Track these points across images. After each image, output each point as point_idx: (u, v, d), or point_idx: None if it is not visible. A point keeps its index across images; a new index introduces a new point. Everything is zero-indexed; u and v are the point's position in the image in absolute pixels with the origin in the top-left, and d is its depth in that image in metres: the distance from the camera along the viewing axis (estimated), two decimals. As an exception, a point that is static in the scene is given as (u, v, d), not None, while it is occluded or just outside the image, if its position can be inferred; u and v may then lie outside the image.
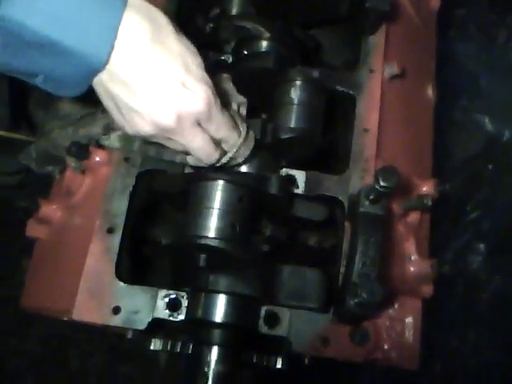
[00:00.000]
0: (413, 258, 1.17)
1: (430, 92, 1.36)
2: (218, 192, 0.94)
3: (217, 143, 0.97)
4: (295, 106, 1.05)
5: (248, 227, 0.96)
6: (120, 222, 1.05)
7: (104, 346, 2.01)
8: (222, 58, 1.16)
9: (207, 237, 0.91)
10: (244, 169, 1.05)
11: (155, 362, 1.98)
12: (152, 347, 1.11)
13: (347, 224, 1.06)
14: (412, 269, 1.16)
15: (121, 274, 1.02)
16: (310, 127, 1.05)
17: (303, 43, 1.19)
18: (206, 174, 0.97)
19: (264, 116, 1.14)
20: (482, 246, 2.21)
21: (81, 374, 1.99)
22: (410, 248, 1.17)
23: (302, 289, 1.00)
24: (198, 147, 0.94)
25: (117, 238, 1.04)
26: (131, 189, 1.07)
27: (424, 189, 1.21)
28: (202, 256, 0.90)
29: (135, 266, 1.07)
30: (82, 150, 1.10)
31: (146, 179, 1.09)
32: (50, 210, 1.17)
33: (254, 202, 0.98)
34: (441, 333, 2.08)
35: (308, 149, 1.07)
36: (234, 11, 1.19)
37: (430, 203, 1.08)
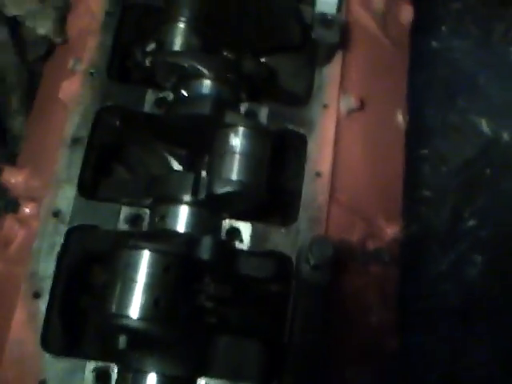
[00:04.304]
0: (375, 309, 1.07)
1: (399, 118, 1.24)
2: (140, 263, 0.84)
3: None
4: (235, 156, 0.95)
5: (176, 300, 0.87)
6: (47, 285, 0.96)
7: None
8: (161, 95, 1.06)
9: (128, 316, 0.81)
10: (180, 228, 0.96)
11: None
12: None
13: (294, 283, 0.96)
14: (375, 320, 1.07)
15: (48, 344, 0.94)
16: (252, 180, 0.95)
17: (251, 76, 1.08)
18: (129, 240, 0.87)
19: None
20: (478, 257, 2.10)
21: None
22: (373, 299, 1.08)
23: (240, 363, 0.90)
24: None
25: (43, 304, 0.95)
26: (59, 249, 0.98)
27: (389, 232, 1.10)
28: (122, 338, 0.82)
29: (66, 334, 0.98)
30: (9, 203, 1.02)
31: (76, 236, 1.00)
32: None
33: (188, 267, 0.89)
34: (440, 346, 1.99)
35: (250, 203, 0.97)
36: (175, 43, 1.07)
37: (387, 259, 0.97)
